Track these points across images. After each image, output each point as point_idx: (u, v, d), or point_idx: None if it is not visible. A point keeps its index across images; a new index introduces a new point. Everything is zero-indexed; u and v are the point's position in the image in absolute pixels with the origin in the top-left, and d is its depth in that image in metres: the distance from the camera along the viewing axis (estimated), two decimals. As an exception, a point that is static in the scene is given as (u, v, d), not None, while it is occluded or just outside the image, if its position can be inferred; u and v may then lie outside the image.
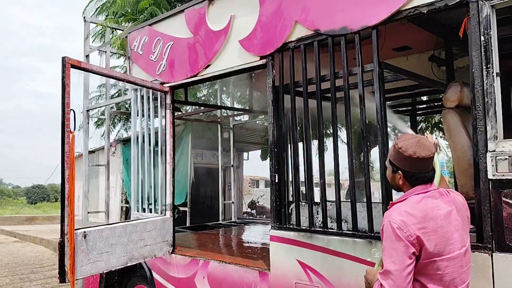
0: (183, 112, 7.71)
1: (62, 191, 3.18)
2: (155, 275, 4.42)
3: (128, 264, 3.71)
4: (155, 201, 4.52)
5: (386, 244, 1.82)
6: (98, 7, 9.54)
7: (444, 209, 1.85)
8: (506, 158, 2.20)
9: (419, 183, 1.92)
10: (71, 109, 3.22)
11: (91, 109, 5.86)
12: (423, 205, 1.84)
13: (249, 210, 12.26)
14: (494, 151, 2.26)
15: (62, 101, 3.19)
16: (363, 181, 2.97)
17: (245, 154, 10.58)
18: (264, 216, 10.65)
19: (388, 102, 4.71)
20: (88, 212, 5.71)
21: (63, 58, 3.23)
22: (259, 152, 10.80)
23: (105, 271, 3.56)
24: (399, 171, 1.94)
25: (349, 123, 3.10)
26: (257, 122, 8.25)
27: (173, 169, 4.49)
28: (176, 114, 6.83)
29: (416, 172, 1.91)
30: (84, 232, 3.32)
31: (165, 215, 4.30)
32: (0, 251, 9.15)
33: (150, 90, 4.40)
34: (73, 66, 3.31)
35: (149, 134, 4.54)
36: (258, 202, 12.82)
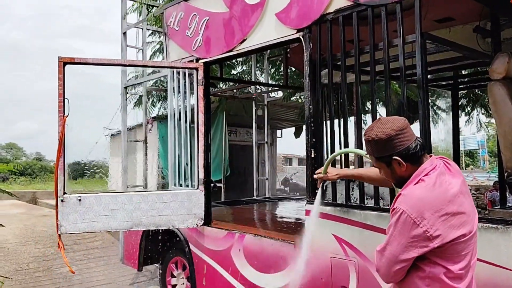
0: (219, 88, 7.73)
1: (57, 164, 3.87)
2: (192, 247, 4.54)
3: (134, 229, 4.12)
4: (191, 175, 4.61)
5: (395, 233, 1.68)
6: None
7: (456, 185, 1.72)
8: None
9: (419, 156, 1.76)
10: (65, 98, 3.89)
11: (128, 86, 5.97)
12: (438, 187, 1.69)
13: (282, 187, 12.32)
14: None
15: (58, 92, 3.87)
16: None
17: (278, 131, 10.56)
18: (298, 194, 10.68)
19: (429, 76, 4.57)
20: (128, 186, 5.87)
21: (58, 58, 3.89)
22: (292, 129, 10.73)
23: (102, 231, 4.09)
24: (394, 157, 1.75)
25: (389, 97, 3.02)
26: (292, 98, 8.19)
27: (208, 145, 4.54)
28: (211, 90, 6.88)
29: (408, 145, 1.74)
30: (79, 196, 3.89)
31: (197, 188, 4.36)
32: (45, 223, 9.63)
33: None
34: (67, 63, 3.90)
35: (185, 111, 4.60)
36: (291, 179, 12.84)
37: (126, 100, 5.87)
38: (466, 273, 1.70)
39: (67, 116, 3.89)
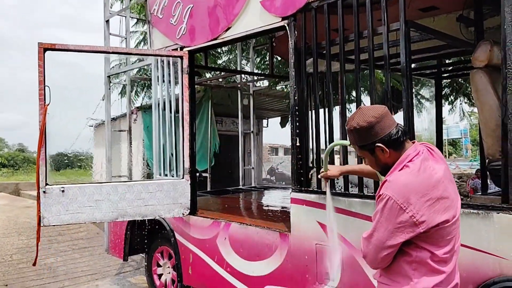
0: (205, 77, 7.67)
1: (38, 154, 3.74)
2: (177, 236, 4.54)
3: (119, 220, 4.07)
4: (177, 164, 4.59)
5: (382, 220, 1.70)
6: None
7: (440, 170, 1.75)
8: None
9: (401, 142, 1.78)
10: (46, 86, 3.74)
11: (112, 75, 5.89)
12: (423, 172, 1.70)
13: (268, 176, 12.35)
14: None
15: (39, 80, 3.71)
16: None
17: (264, 121, 10.57)
18: (284, 183, 10.72)
19: (413, 64, 4.61)
20: (112, 176, 5.82)
21: (38, 44, 3.76)
22: (278, 119, 10.75)
23: (87, 222, 3.98)
24: (377, 144, 1.76)
25: (373, 85, 3.04)
26: (277, 88, 8.18)
27: (193, 134, 4.52)
28: (196, 79, 6.82)
29: (390, 131, 1.75)
30: (62, 187, 3.77)
31: (182, 178, 4.34)
32: (28, 214, 9.51)
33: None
34: (48, 49, 3.77)
35: (170, 101, 4.56)
36: (277, 169, 12.89)
37: (109, 89, 5.79)
38: (450, 257, 1.74)
39: (48, 105, 3.77)
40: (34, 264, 4.11)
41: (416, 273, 1.71)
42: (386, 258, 1.74)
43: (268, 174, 12.41)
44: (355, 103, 3.40)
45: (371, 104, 3.15)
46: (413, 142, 1.84)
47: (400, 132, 1.77)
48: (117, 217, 3.98)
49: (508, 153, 2.26)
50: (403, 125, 1.89)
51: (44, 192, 3.73)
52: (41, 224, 3.72)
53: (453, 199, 1.74)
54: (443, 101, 8.81)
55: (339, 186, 3.37)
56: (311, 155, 3.85)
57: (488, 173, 3.24)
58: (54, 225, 3.87)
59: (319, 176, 2.91)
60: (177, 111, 4.56)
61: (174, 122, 4.62)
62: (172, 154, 4.67)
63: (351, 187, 3.24)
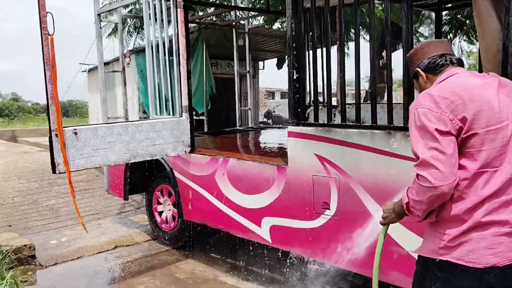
0: (197, 15, 7.43)
1: (46, 91, 3.29)
2: (176, 174, 4.60)
3: (132, 161, 3.93)
4: (173, 105, 4.56)
5: (416, 134, 1.62)
6: None
7: (480, 81, 1.65)
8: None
9: (441, 66, 1.75)
10: (47, 12, 3.24)
11: (102, 13, 5.69)
12: (450, 82, 1.67)
13: (265, 120, 12.36)
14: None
15: (38, 4, 3.19)
16: (382, 86, 2.91)
17: (260, 63, 10.38)
18: (280, 125, 10.73)
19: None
20: (108, 118, 5.79)
21: None
22: (274, 61, 10.55)
23: (102, 165, 3.79)
24: (416, 69, 1.80)
25: (372, 20, 2.95)
26: (274, 27, 7.96)
27: (188, 72, 4.44)
28: (190, 16, 6.60)
29: (431, 56, 1.76)
30: (75, 129, 3.50)
31: (181, 116, 4.34)
32: (26, 159, 9.55)
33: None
34: None
35: (164, 42, 4.45)
36: (274, 112, 12.86)
37: (100, 28, 5.61)
38: (487, 176, 1.58)
39: (53, 35, 3.26)
40: (86, 231, 4.00)
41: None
42: (453, 160, 1.57)
43: (265, 117, 12.40)
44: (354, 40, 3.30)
45: (370, 39, 3.08)
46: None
47: (444, 60, 1.74)
48: (130, 158, 3.88)
49: (508, 76, 2.24)
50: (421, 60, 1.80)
51: (56, 135, 3.37)
52: (57, 171, 3.40)
53: (495, 111, 1.59)
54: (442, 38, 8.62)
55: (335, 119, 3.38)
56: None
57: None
58: (70, 172, 3.49)
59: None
60: (170, 54, 4.46)
61: (169, 63, 4.53)
62: (167, 99, 4.63)
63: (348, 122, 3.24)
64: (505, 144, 1.60)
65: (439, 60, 1.75)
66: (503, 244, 1.57)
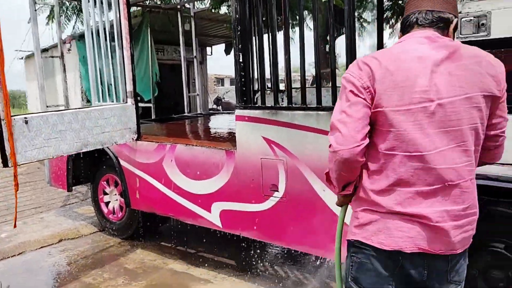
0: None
1: None
2: (122, 162, 4.46)
3: (83, 150, 3.72)
4: (116, 91, 4.40)
5: (337, 99, 1.53)
6: None
7: (425, 52, 1.43)
8: (470, 20, 2.19)
9: (408, 28, 1.55)
10: None
11: (36, -5, 5.36)
12: (394, 48, 1.50)
13: (215, 106, 12.25)
14: (460, 12, 2.23)
15: None
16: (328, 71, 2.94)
17: (208, 49, 10.24)
18: (230, 112, 10.68)
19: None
20: (47, 106, 5.49)
21: None
22: (223, 46, 10.45)
23: (55, 156, 3.53)
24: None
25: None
26: (221, 11, 7.85)
27: (132, 56, 4.29)
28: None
29: (410, 13, 1.55)
30: (25, 118, 3.23)
31: (126, 102, 4.22)
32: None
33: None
34: None
35: (104, 26, 4.25)
36: (223, 98, 12.78)
37: (35, 10, 5.28)
38: (398, 160, 1.43)
39: None
40: (14, 226, 3.58)
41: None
42: (359, 126, 1.45)
43: (215, 104, 12.30)
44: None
45: (314, 23, 3.10)
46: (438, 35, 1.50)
47: (415, 17, 1.53)
48: (81, 147, 3.68)
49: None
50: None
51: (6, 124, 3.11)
52: (9, 165, 3.12)
53: (421, 89, 1.39)
54: (384, 24, 8.92)
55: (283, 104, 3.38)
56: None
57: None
58: (22, 164, 3.27)
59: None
60: (112, 39, 4.28)
61: (111, 49, 4.34)
62: (110, 84, 4.45)
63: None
64: (424, 127, 1.39)
65: (408, 20, 1.56)
66: (414, 230, 1.44)
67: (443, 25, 1.50)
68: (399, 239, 1.44)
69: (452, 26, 1.52)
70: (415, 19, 1.53)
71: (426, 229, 1.43)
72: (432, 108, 1.37)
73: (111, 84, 4.47)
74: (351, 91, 1.46)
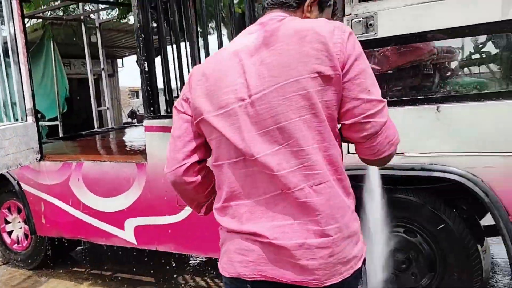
0: (40, 9, 6.69)
1: None
2: (24, 186, 4.10)
3: None
4: (13, 110, 4.05)
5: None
6: None
7: (240, 46, 1.21)
8: (360, 21, 2.31)
9: (263, 13, 1.28)
10: None
11: None
12: (225, 46, 1.34)
13: (129, 120, 11.86)
14: (350, 14, 2.34)
15: None
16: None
17: (119, 61, 9.90)
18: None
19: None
20: None
21: None
22: (135, 58, 10.15)
23: None
24: None
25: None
26: (128, 22, 7.60)
27: (30, 70, 3.98)
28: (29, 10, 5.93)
29: None
30: None
31: (26, 121, 3.88)
32: None
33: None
34: None
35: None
36: (138, 111, 12.42)
37: None
38: (227, 171, 1.21)
39: None
40: None
41: None
42: (182, 147, 1.30)
43: (129, 117, 11.91)
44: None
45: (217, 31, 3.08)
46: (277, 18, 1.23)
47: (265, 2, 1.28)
48: None
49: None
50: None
51: None
52: None
53: (233, 87, 1.16)
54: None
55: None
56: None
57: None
58: None
59: None
60: (7, 55, 3.94)
61: (5, 65, 4.00)
62: (5, 102, 4.09)
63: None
64: (242, 130, 1.15)
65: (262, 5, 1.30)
66: (255, 252, 1.17)
67: (294, 4, 1.23)
68: (238, 263, 1.19)
69: (308, 1, 1.24)
70: (265, 3, 1.27)
71: (269, 250, 1.15)
72: (244, 108, 1.14)
73: (6, 103, 4.10)
74: (175, 106, 1.31)
